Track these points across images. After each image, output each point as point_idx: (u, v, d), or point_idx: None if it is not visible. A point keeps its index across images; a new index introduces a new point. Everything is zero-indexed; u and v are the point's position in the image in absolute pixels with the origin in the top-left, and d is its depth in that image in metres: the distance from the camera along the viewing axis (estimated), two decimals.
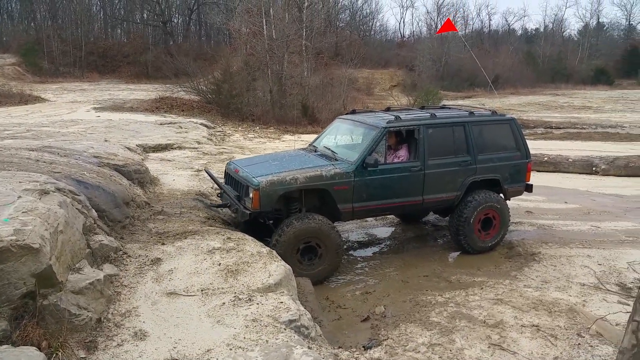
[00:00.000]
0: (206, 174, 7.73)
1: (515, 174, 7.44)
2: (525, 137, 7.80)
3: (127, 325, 3.91)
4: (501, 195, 7.40)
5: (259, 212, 6.19)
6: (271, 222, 6.47)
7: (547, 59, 53.43)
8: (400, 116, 7.02)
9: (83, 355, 3.46)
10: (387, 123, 6.73)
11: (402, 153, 6.98)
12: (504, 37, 63.83)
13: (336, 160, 6.64)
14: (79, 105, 22.11)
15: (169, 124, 17.00)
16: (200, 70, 25.00)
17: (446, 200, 7.12)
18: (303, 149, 7.90)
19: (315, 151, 7.27)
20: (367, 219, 8.66)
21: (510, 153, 7.38)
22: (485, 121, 7.40)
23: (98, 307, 3.97)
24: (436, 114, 7.26)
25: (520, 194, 7.71)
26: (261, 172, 6.37)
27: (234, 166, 7.01)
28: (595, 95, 38.28)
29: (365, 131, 6.93)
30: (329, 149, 7.09)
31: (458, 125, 7.09)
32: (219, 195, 7.52)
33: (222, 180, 7.34)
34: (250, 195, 6.14)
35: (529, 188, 7.64)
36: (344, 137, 7.55)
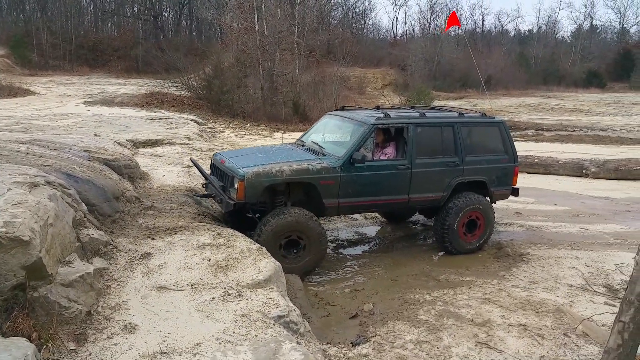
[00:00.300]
0: (193, 166, 7.71)
1: (503, 177, 7.44)
2: (516, 139, 7.85)
3: (116, 318, 3.91)
4: (487, 198, 7.41)
5: (244, 204, 6.16)
6: (257, 215, 6.44)
7: (540, 61, 53.64)
8: (390, 114, 7.02)
9: (73, 347, 3.46)
10: (375, 120, 6.72)
11: (390, 151, 6.99)
12: (497, 37, 63.93)
13: (323, 155, 6.63)
14: (69, 99, 22.00)
15: (160, 119, 16.95)
16: (191, 65, 24.87)
17: (432, 200, 7.11)
18: (291, 143, 7.90)
19: (303, 146, 7.27)
20: (357, 217, 8.69)
21: (498, 156, 7.39)
22: (475, 123, 7.43)
23: (88, 300, 3.96)
24: (425, 113, 7.29)
25: (506, 197, 7.71)
26: (247, 163, 6.34)
27: (220, 157, 6.97)
28: (587, 98, 38.57)
29: (353, 127, 6.91)
30: (317, 143, 7.07)
31: (447, 125, 7.09)
32: (203, 185, 7.49)
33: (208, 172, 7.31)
34: (236, 185, 6.10)
35: (515, 192, 7.64)
36: (332, 133, 7.51)
